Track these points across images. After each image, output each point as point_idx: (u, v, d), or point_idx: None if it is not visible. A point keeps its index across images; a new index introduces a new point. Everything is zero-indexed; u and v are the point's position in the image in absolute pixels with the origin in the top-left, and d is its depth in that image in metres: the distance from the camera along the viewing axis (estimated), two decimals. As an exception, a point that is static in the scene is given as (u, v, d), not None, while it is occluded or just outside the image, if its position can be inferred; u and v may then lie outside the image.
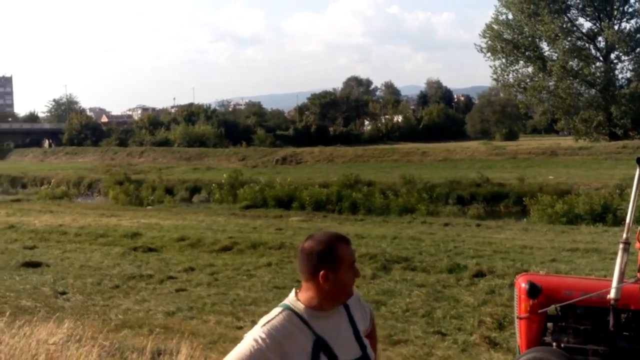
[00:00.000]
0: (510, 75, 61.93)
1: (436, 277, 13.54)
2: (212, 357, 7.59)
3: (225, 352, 2.80)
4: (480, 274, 13.38)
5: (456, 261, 14.76)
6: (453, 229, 21.92)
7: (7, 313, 7.11)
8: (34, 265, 16.12)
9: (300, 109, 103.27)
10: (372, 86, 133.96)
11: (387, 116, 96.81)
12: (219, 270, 15.24)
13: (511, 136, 79.25)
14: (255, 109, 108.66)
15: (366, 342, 2.98)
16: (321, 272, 2.82)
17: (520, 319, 6.54)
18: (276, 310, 2.85)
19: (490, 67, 61.50)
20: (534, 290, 6.38)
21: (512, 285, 8.28)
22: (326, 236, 2.92)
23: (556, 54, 59.21)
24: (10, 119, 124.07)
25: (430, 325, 10.22)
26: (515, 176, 36.90)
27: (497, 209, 32.78)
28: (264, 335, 2.73)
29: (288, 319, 2.81)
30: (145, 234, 21.08)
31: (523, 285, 6.47)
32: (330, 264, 2.83)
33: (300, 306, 2.85)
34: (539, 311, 6.41)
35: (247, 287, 13.42)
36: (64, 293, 13.12)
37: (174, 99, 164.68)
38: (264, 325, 2.78)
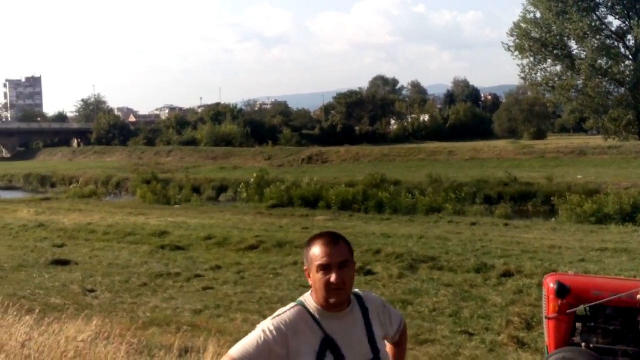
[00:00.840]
0: (539, 74, 61.18)
1: (463, 276, 13.48)
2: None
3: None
4: (508, 274, 13.30)
5: (483, 261, 14.68)
6: (480, 229, 21.77)
7: (37, 310, 7.18)
8: (63, 263, 16.33)
9: (326, 109, 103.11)
10: (399, 85, 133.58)
11: (413, 115, 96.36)
12: (246, 268, 15.32)
13: (539, 135, 78.46)
14: (282, 109, 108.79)
15: (381, 346, 2.94)
16: (305, 268, 2.90)
17: (549, 319, 6.48)
18: (290, 305, 2.90)
19: (518, 65, 60.84)
20: (562, 291, 6.31)
21: (540, 285, 8.21)
22: (316, 235, 2.94)
23: (585, 53, 58.41)
24: (39, 119, 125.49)
25: (458, 325, 10.18)
26: (543, 175, 36.55)
27: (525, 208, 32.49)
28: (272, 328, 2.79)
29: (298, 314, 2.84)
30: (172, 232, 21.24)
31: (552, 285, 6.41)
32: (307, 263, 2.89)
33: (312, 304, 2.87)
34: (568, 311, 6.35)
35: (273, 285, 13.48)
36: (92, 291, 13.27)
37: (201, 98, 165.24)
38: (275, 317, 2.84)
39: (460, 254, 16.09)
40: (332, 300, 2.81)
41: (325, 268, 2.80)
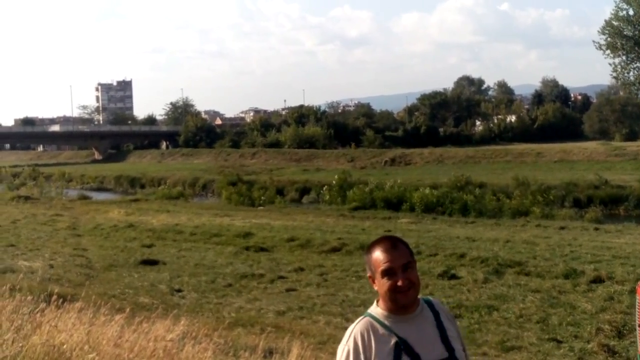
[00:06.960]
0: (631, 73, 59.12)
1: (551, 282, 13.14)
2: (322, 357, 7.64)
3: (335, 353, 2.91)
4: (598, 280, 12.89)
5: (573, 266, 14.25)
6: (569, 233, 21.18)
7: (127, 309, 7.38)
8: (152, 263, 16.76)
9: (410, 110, 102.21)
10: (484, 86, 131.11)
11: (499, 116, 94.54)
12: (328, 271, 15.36)
13: (632, 136, 75.75)
14: (364, 110, 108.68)
15: (456, 346, 2.95)
16: (368, 275, 2.95)
17: (642, 327, 6.24)
18: (357, 320, 2.96)
19: (610, 64, 58.99)
20: (657, 298, 6.06)
21: (632, 292, 7.93)
22: (374, 241, 2.97)
23: (680, 51, 56.16)
24: (130, 122, 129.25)
25: (545, 331, 9.93)
26: (636, 178, 35.37)
27: (616, 212, 31.50)
28: (350, 349, 2.86)
29: (367, 326, 2.90)
30: (256, 234, 21.51)
31: (645, 292, 6.17)
32: (369, 270, 2.94)
33: (379, 312, 2.92)
34: (663, 320, 6.09)
35: (356, 288, 13.47)
36: (179, 290, 13.57)
37: (285, 101, 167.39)
38: (347, 341, 2.89)
39: (549, 259, 15.68)
40: (401, 302, 2.88)
41: (389, 273, 2.85)
